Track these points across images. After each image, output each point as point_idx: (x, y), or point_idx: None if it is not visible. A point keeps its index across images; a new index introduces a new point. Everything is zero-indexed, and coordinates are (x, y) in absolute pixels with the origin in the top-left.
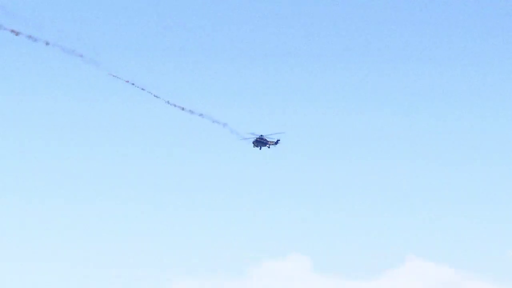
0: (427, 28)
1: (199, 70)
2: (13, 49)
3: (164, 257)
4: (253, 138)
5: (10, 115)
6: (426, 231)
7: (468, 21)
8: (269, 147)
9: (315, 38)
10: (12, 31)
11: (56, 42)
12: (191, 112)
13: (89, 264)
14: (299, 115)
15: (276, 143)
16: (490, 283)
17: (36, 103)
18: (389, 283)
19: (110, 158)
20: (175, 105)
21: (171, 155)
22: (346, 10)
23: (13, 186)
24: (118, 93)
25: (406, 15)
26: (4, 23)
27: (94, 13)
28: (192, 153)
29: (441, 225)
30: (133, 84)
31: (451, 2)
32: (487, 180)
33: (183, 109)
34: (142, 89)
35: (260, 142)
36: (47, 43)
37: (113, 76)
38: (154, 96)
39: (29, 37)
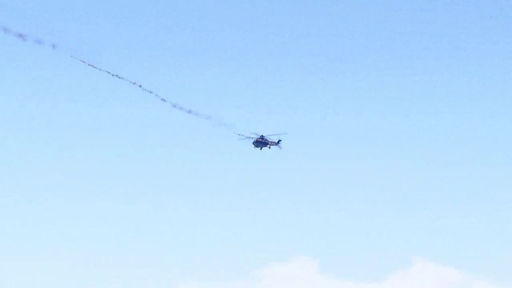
0: (427, 28)
1: (199, 70)
2: (19, 53)
3: (169, 258)
4: (254, 138)
5: (15, 115)
6: (433, 232)
7: (468, 21)
8: (269, 148)
9: (316, 38)
10: (20, 35)
11: (61, 45)
12: (194, 113)
13: (95, 265)
14: (300, 115)
15: (277, 143)
16: (498, 285)
17: (39, 104)
18: (396, 285)
19: (111, 158)
20: (180, 108)
21: (175, 156)
22: (346, 11)
23: (13, 186)
24: (117, 93)
25: (406, 15)
26: (11, 26)
27: (96, 14)
28: (196, 154)
29: (448, 227)
30: (134, 83)
31: (451, 2)
32: (494, 181)
33: (190, 111)
34: (142, 88)
35: (261, 142)
36: (53, 46)
37: (113, 75)
38: (149, 92)
39: (36, 40)
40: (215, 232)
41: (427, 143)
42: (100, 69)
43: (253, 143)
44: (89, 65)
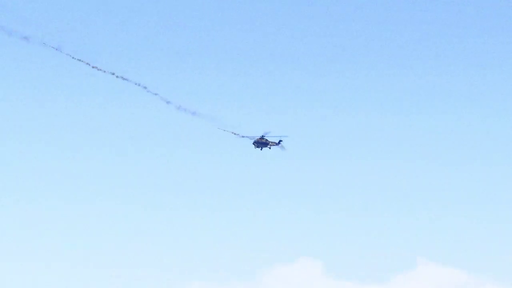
0: (427, 28)
1: (199, 70)
2: (23, 55)
3: (172, 259)
4: (254, 138)
5: (18, 117)
6: (438, 233)
7: (468, 21)
8: (270, 148)
9: (316, 38)
10: (24, 37)
11: (65, 47)
12: (195, 114)
13: (97, 265)
14: (301, 115)
15: (278, 143)
16: (503, 286)
17: (42, 106)
18: (401, 286)
19: (113, 159)
20: (182, 109)
21: (179, 157)
22: (346, 11)
23: (13, 186)
24: (117, 93)
25: (406, 15)
26: (14, 27)
27: (96, 15)
28: (199, 155)
29: (452, 227)
30: (135, 83)
31: (451, 2)
32: (498, 181)
33: (194, 113)
34: (141, 87)
35: (261, 143)
36: (57, 49)
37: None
38: (154, 94)
39: (40, 41)
40: (219, 233)
41: (430, 143)
42: (105, 71)
43: (253, 143)
44: (93, 67)
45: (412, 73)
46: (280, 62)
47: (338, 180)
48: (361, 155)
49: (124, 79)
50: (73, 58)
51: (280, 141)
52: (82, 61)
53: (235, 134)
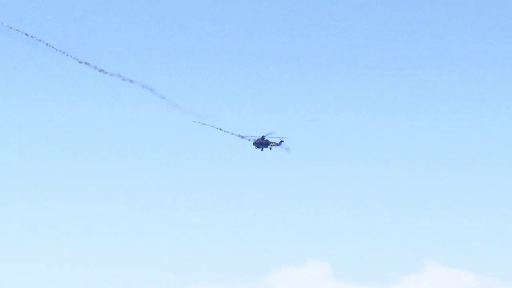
0: (427, 28)
1: (199, 70)
2: (31, 57)
3: (178, 261)
4: (254, 139)
5: (22, 118)
6: (445, 235)
7: (468, 21)
8: (270, 149)
9: (316, 39)
10: (32, 40)
11: (70, 50)
12: (194, 114)
13: (102, 268)
14: (302, 115)
15: (279, 144)
16: None
17: (45, 106)
18: None
19: (115, 159)
20: (180, 108)
21: (183, 159)
22: (347, 11)
23: (13, 186)
24: (116, 92)
25: (406, 15)
26: (19, 28)
27: (96, 15)
28: (203, 155)
29: (460, 230)
30: (133, 82)
31: (451, 2)
32: (507, 183)
33: (193, 113)
34: (144, 88)
35: (262, 143)
36: (63, 52)
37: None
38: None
39: (47, 44)
40: (226, 235)
41: (438, 143)
42: (111, 74)
43: (253, 144)
44: (100, 70)
45: (412, 73)
46: (280, 62)
47: (346, 182)
48: (370, 156)
49: (123, 79)
50: (80, 63)
51: (281, 141)
52: (89, 64)
53: (236, 135)
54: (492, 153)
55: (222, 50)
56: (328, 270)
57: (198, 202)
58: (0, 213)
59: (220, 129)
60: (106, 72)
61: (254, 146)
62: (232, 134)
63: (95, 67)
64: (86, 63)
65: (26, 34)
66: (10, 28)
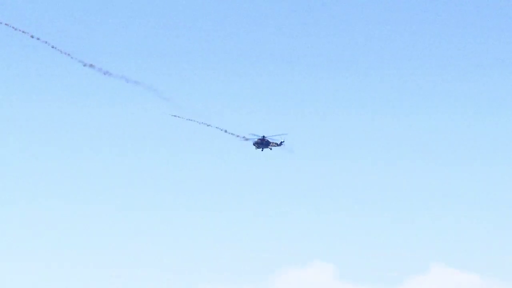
0: (427, 28)
1: (199, 71)
2: (35, 60)
3: (181, 262)
4: (255, 139)
5: (24, 119)
6: (451, 237)
7: (468, 21)
8: (271, 149)
9: (316, 39)
10: (40, 42)
11: (75, 53)
12: (194, 114)
13: (103, 268)
14: (302, 116)
15: (280, 144)
16: None
17: (46, 107)
18: None
19: (116, 159)
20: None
21: (186, 159)
22: (347, 11)
23: (13, 186)
24: (116, 93)
25: (406, 15)
26: (26, 30)
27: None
28: (205, 156)
29: (466, 231)
30: (131, 81)
31: (451, 2)
32: None
33: (193, 113)
34: (146, 88)
35: (262, 143)
36: (68, 54)
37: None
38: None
39: (53, 47)
40: (230, 236)
41: (442, 143)
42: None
43: (254, 144)
44: (104, 73)
45: (412, 73)
46: (281, 62)
47: (350, 182)
48: (375, 155)
49: (123, 78)
50: (85, 65)
51: (282, 142)
52: (94, 66)
53: (236, 135)
54: (496, 153)
55: (222, 50)
56: (333, 271)
57: (202, 203)
58: (0, 213)
59: (226, 131)
60: (107, 73)
61: (254, 147)
62: (237, 136)
63: (100, 69)
64: (91, 65)
65: (31, 36)
66: (15, 29)
